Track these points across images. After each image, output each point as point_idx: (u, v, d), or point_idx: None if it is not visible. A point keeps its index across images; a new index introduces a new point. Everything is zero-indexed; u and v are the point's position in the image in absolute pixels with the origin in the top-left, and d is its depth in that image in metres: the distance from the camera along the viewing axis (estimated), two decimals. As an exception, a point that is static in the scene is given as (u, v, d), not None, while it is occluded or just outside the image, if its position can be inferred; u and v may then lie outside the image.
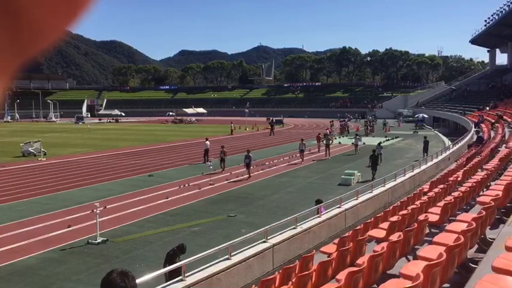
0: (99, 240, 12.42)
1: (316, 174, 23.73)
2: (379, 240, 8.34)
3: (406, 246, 7.04)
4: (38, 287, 9.92)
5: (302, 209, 12.13)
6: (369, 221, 10.42)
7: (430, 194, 11.62)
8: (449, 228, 7.12)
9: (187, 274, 7.22)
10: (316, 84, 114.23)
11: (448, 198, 10.10)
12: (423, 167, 19.30)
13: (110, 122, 79.02)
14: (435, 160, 21.27)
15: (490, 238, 7.05)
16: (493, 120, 35.50)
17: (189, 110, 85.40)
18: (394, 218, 9.32)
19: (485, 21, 66.18)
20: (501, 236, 6.34)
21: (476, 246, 6.86)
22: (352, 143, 32.82)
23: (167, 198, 18.02)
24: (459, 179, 13.53)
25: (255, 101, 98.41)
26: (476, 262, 6.01)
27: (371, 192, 14.02)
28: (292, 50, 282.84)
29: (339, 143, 37.61)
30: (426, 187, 14.44)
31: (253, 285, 7.83)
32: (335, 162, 27.86)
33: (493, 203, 7.39)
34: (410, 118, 66.53)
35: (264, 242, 9.05)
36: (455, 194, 10.37)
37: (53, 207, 16.58)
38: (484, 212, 6.65)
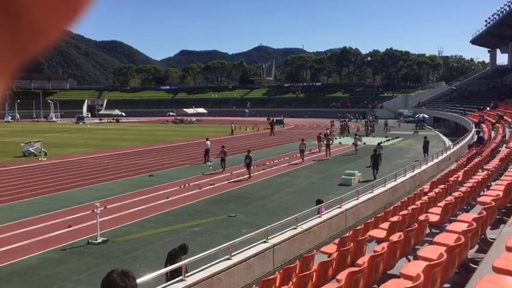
0: (99, 240, 12.42)
1: (317, 174, 23.73)
2: (379, 241, 8.34)
3: (407, 247, 7.04)
4: (39, 287, 9.92)
5: (303, 209, 12.13)
6: (370, 221, 10.42)
7: (431, 194, 11.61)
8: (450, 228, 7.12)
9: (188, 274, 7.22)
10: (317, 84, 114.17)
11: (449, 198, 10.09)
12: (424, 167, 19.30)
13: (110, 122, 79.06)
14: (436, 160, 21.26)
15: (490, 238, 7.05)
16: (494, 121, 35.49)
17: (190, 110, 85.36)
18: (395, 218, 9.32)
19: (486, 21, 66.31)
20: (502, 236, 6.34)
21: (476, 247, 6.86)
22: (353, 143, 32.83)
23: (168, 198, 18.03)
24: (460, 179, 13.52)
25: (256, 101, 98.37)
26: (477, 262, 6.01)
27: (371, 192, 14.02)
28: (292, 50, 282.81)
29: (340, 143, 37.60)
30: (427, 187, 14.44)
31: (254, 285, 7.83)
32: (335, 162, 27.85)
33: (493, 203, 7.38)
34: (411, 118, 66.51)
35: (265, 242, 9.05)
36: (456, 194, 10.37)
37: (54, 207, 16.59)
38: (485, 212, 6.65)
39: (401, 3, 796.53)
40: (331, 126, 50.27)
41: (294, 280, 6.58)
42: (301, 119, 78.63)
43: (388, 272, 6.51)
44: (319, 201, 12.34)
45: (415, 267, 5.20)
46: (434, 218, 8.55)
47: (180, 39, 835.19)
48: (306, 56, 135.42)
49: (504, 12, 58.47)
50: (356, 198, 13.07)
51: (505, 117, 35.49)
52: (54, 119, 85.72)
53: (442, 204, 9.25)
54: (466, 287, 4.92)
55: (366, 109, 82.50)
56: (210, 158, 26.45)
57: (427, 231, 8.27)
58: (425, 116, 61.05)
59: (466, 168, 15.37)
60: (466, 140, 29.19)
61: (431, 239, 7.17)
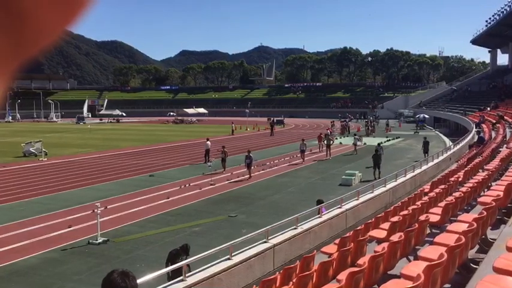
0: (100, 240, 12.42)
1: (317, 175, 23.73)
2: (380, 241, 8.34)
3: (407, 247, 7.03)
4: (39, 287, 9.93)
5: (303, 209, 12.12)
6: (370, 221, 10.41)
7: (431, 194, 11.61)
8: (450, 228, 7.11)
9: (188, 274, 7.22)
10: (317, 84, 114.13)
11: (449, 198, 10.09)
12: (424, 167, 19.28)
13: (110, 122, 79.09)
14: (436, 160, 21.24)
15: (491, 238, 7.04)
16: (494, 121, 35.47)
17: (190, 110, 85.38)
18: (395, 219, 9.31)
19: (486, 21, 66.31)
20: (502, 237, 6.33)
21: (477, 247, 6.85)
22: (353, 143, 32.83)
23: (168, 198, 18.03)
24: (460, 179, 13.51)
25: (256, 101, 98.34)
26: (477, 262, 6.00)
27: (372, 192, 14.01)
28: (293, 50, 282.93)
29: (340, 143, 37.61)
30: (427, 187, 14.43)
31: (254, 285, 7.83)
32: (336, 162, 27.85)
33: (494, 204, 7.38)
34: (411, 118, 66.49)
35: (265, 242, 9.05)
36: (456, 194, 10.36)
37: (54, 207, 16.60)
38: (485, 213, 6.64)
39: (402, 3, 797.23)
40: (332, 126, 50.28)
41: (294, 280, 6.58)
42: (301, 119, 78.64)
43: (389, 272, 6.50)
44: (319, 202, 12.34)
45: (416, 268, 5.20)
46: (434, 218, 8.55)
47: (181, 40, 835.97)
48: (306, 56, 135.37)
49: (505, 12, 58.47)
50: (356, 198, 13.06)
51: (505, 117, 35.46)
52: (54, 119, 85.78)
53: (442, 204, 9.25)
54: (466, 287, 4.91)
55: (366, 109, 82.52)
56: (211, 158, 26.47)
57: (428, 231, 8.27)
58: (426, 116, 61.01)
59: (466, 169, 15.37)
60: (466, 140, 29.16)
61: (431, 239, 7.17)
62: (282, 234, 9.67)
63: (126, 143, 39.83)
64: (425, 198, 11.24)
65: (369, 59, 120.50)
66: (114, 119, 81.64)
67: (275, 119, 61.32)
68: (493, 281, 4.26)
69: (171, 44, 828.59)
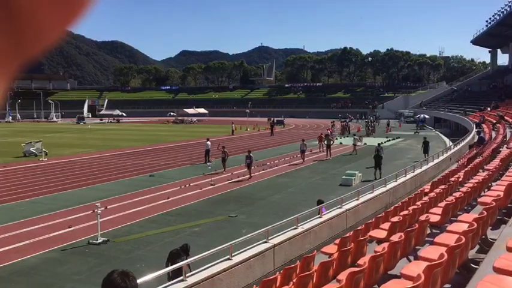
0: (100, 240, 12.42)
1: (317, 175, 23.73)
2: (380, 241, 8.34)
3: (407, 247, 7.03)
4: (39, 287, 9.93)
5: (303, 209, 12.12)
6: (370, 221, 10.41)
7: (431, 194, 11.61)
8: (451, 228, 7.11)
9: (189, 274, 7.22)
10: (317, 84, 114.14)
11: (449, 198, 10.09)
12: (424, 167, 19.28)
13: (111, 122, 79.14)
14: (436, 160, 21.25)
15: (491, 239, 7.04)
16: (494, 121, 35.47)
17: (190, 110, 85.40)
18: (395, 219, 9.31)
19: (487, 21, 66.26)
20: (502, 237, 6.34)
21: (477, 247, 6.85)
22: (352, 144, 32.83)
23: (168, 198, 18.03)
24: (460, 179, 13.51)
25: (256, 102, 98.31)
26: (478, 263, 6.00)
27: (372, 192, 14.01)
28: (293, 50, 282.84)
29: (340, 143, 37.61)
30: (427, 187, 14.43)
31: (254, 285, 7.83)
32: (336, 162, 27.85)
33: (494, 204, 7.37)
34: (412, 118, 66.47)
35: (265, 242, 9.05)
36: (457, 194, 10.36)
37: (54, 207, 16.60)
38: (485, 213, 6.64)
39: (402, 3, 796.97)
40: (332, 126, 50.27)
41: (294, 280, 6.57)
42: (301, 119, 78.63)
43: (389, 272, 6.50)
44: (319, 202, 12.34)
45: (416, 268, 5.20)
46: (435, 218, 8.55)
47: (181, 40, 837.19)
48: (306, 56, 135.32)
49: (505, 12, 58.44)
50: (356, 198, 13.06)
51: (505, 117, 35.44)
52: (55, 119, 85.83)
53: (442, 204, 9.24)
54: (466, 287, 4.91)
55: (366, 109, 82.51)
56: (211, 158, 26.47)
57: (428, 231, 8.27)
58: (426, 116, 61.00)
59: (466, 169, 15.37)
60: (466, 140, 29.16)
61: (431, 239, 7.17)
62: (282, 234, 9.68)
63: (126, 143, 39.84)
64: (426, 198, 11.24)
65: (369, 59, 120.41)
66: (114, 119, 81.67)
67: (275, 119, 61.33)
68: (493, 281, 4.26)
69: (171, 44, 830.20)
